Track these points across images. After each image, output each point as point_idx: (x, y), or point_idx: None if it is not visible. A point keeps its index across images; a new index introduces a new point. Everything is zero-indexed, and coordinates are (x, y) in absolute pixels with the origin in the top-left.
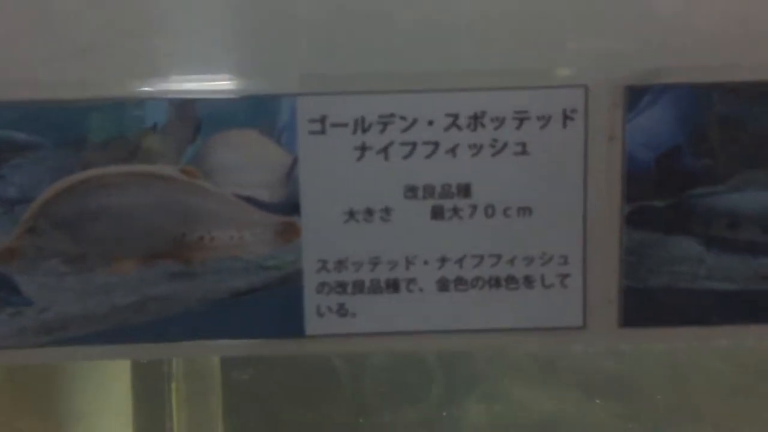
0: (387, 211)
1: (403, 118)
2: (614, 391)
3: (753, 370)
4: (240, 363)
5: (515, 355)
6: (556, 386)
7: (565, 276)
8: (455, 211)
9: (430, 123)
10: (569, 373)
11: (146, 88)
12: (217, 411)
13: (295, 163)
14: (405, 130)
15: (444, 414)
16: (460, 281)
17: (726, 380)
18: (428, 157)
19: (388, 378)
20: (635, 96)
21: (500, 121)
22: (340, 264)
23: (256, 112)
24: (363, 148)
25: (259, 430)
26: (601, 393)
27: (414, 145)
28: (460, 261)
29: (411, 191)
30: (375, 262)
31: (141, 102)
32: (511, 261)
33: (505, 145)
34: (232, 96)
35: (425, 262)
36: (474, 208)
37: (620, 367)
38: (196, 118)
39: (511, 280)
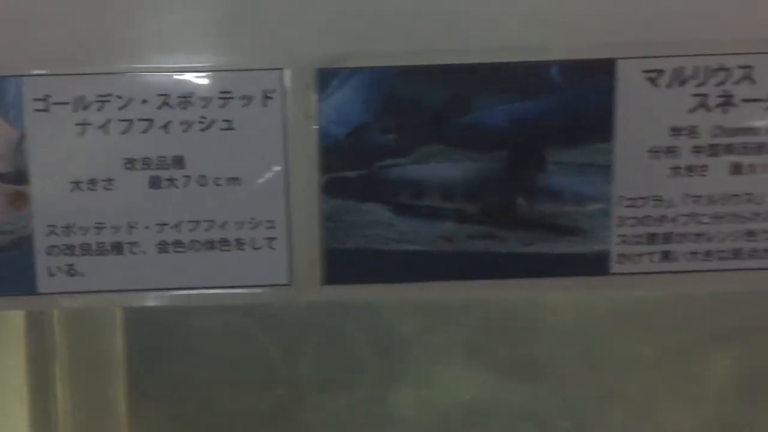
0: (109, 181)
1: (119, 97)
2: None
3: (671, 351)
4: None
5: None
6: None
7: (272, 239)
8: (171, 181)
9: (144, 102)
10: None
11: None
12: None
13: (22, 138)
14: (121, 108)
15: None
16: (178, 244)
17: (643, 360)
18: (144, 132)
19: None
20: (326, 79)
21: (207, 101)
22: (68, 229)
23: None
24: (84, 124)
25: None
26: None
27: (131, 121)
28: (177, 226)
29: (130, 163)
30: (100, 227)
31: None
32: (223, 225)
33: (213, 122)
34: None
35: (146, 227)
36: (188, 178)
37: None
38: None
39: (224, 242)
